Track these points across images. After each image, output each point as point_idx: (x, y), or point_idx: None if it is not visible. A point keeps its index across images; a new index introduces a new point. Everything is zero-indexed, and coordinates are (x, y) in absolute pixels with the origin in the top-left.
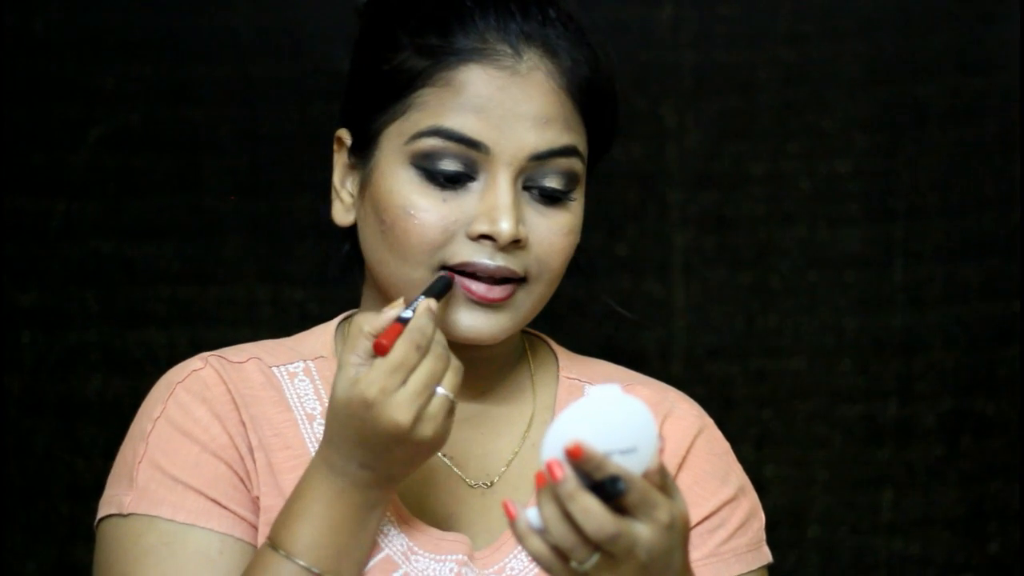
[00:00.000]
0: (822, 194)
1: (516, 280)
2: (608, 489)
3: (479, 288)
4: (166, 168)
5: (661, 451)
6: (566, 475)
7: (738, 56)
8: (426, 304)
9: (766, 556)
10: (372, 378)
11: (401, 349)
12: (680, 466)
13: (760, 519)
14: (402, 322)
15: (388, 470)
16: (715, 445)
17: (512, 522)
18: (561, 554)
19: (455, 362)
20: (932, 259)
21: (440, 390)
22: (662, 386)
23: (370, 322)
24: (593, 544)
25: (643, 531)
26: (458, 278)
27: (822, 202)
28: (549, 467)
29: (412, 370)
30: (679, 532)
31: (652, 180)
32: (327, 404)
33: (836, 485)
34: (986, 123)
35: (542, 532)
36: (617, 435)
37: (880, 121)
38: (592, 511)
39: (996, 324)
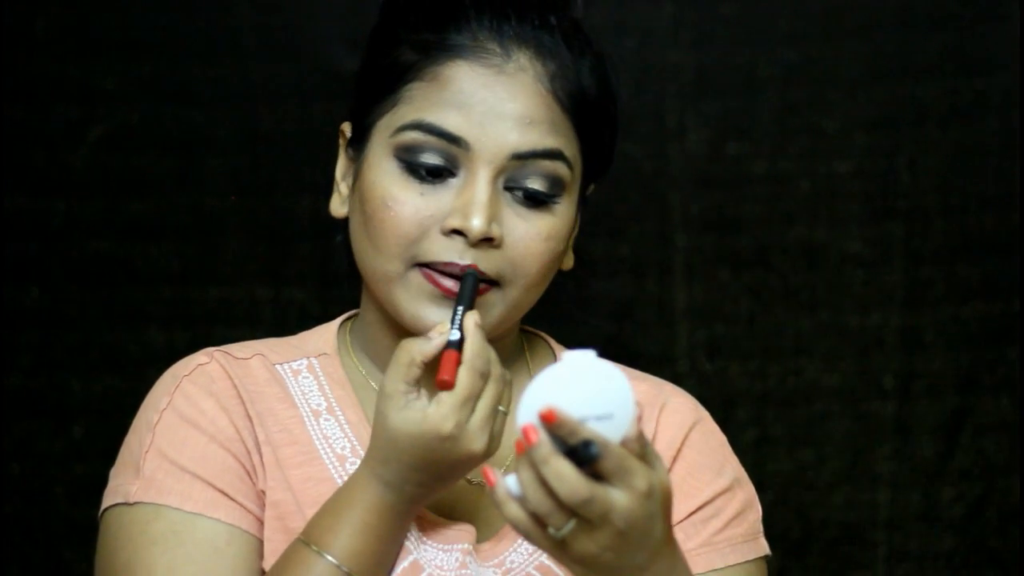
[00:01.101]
0: (822, 194)
1: (487, 282)
2: (581, 454)
3: (448, 283)
4: (166, 168)
5: (639, 419)
6: (540, 439)
7: (738, 56)
8: (473, 321)
9: (763, 548)
10: (445, 413)
11: (467, 381)
12: (675, 458)
13: (757, 511)
14: (452, 346)
15: (440, 486)
16: (710, 437)
17: (491, 488)
18: (540, 521)
19: (508, 376)
20: (932, 259)
21: (500, 408)
22: (658, 381)
23: (421, 350)
24: (569, 510)
25: (619, 497)
26: (428, 272)
27: (822, 202)
28: (524, 432)
29: (479, 398)
30: (658, 501)
31: (653, 180)
32: (329, 400)
33: (836, 484)
34: (986, 123)
35: (521, 499)
36: (593, 401)
37: (880, 121)
38: (565, 475)
39: (996, 324)
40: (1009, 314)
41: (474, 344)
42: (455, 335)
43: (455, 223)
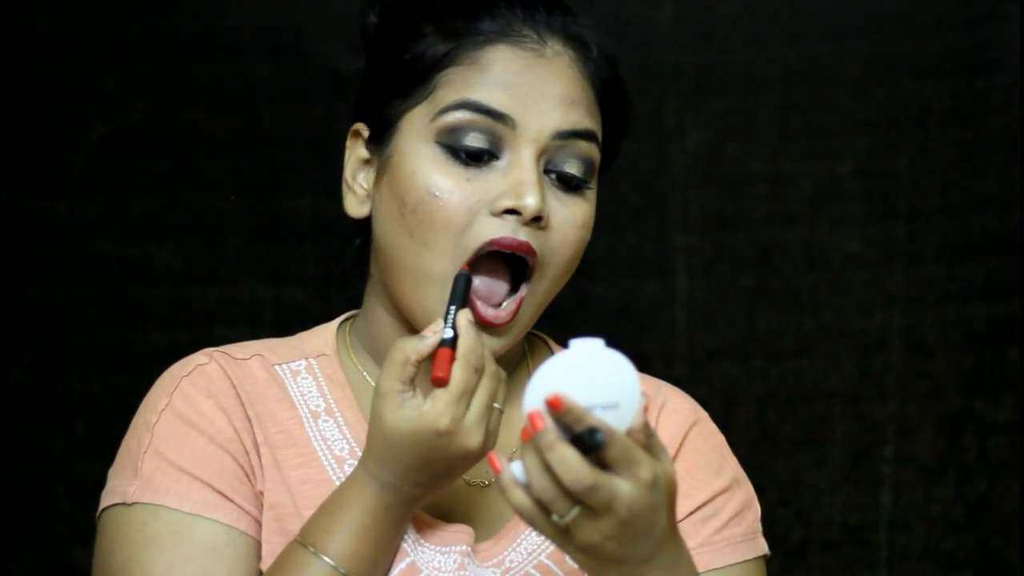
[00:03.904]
0: (823, 194)
1: (526, 271)
2: (587, 441)
3: (487, 312)
4: (167, 168)
5: (645, 409)
6: (546, 426)
7: (738, 56)
8: (466, 319)
9: (762, 547)
10: (440, 410)
11: (461, 376)
12: (674, 458)
13: (756, 511)
14: (445, 344)
15: (438, 485)
16: (709, 438)
17: (497, 475)
18: (544, 508)
19: (502, 373)
20: (933, 259)
21: (495, 405)
22: (657, 381)
23: (415, 349)
24: (573, 497)
25: (623, 486)
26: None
27: (823, 202)
28: (530, 418)
29: (473, 393)
30: (663, 492)
31: (653, 180)
32: (328, 402)
33: (838, 485)
34: (987, 123)
35: (526, 486)
36: (599, 390)
37: (881, 121)
38: (569, 462)
39: (996, 324)
40: (1010, 314)
41: (468, 340)
42: (448, 333)
43: (508, 203)
